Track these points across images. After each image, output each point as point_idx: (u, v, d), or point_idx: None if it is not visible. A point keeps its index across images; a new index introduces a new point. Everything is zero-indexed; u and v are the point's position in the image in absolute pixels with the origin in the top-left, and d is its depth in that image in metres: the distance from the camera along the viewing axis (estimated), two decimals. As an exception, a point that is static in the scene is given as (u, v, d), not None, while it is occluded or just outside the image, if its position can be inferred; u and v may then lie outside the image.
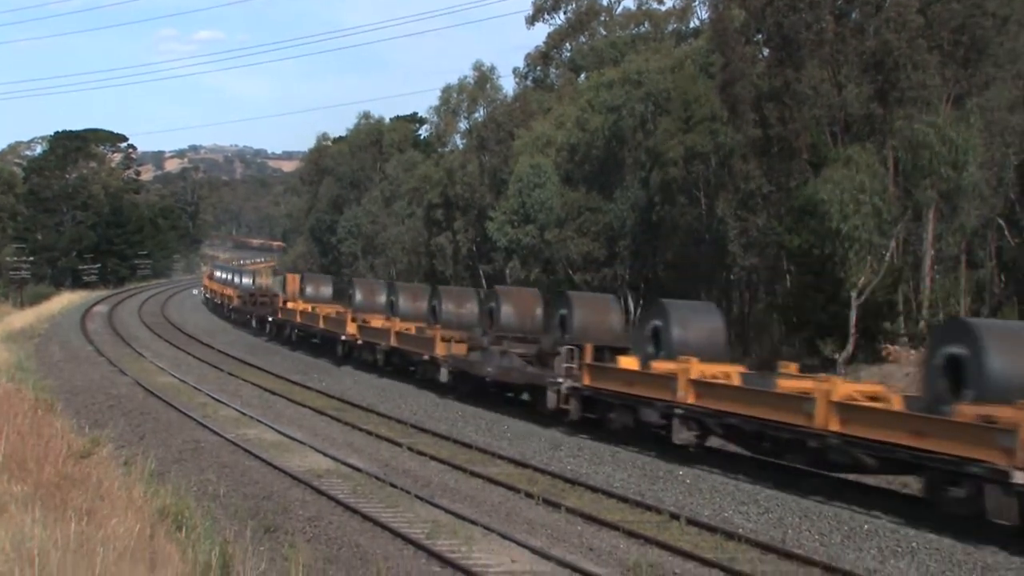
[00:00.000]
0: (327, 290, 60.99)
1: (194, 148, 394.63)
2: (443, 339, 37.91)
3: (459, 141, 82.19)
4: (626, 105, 56.67)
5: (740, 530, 19.30)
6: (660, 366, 27.24)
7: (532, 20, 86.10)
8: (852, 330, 39.53)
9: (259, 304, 66.88)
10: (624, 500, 21.69)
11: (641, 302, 56.10)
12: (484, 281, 67.26)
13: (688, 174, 49.73)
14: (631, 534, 18.92)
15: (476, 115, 78.32)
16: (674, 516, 20.22)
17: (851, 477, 22.91)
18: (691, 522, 19.83)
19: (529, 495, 21.82)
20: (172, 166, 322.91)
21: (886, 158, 41.04)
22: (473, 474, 24.09)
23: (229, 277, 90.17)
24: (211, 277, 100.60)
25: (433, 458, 25.99)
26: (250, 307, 67.76)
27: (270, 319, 60.38)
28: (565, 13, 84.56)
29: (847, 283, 39.60)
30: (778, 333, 47.65)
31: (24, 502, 15.17)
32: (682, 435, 25.71)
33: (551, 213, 58.93)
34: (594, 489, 22.70)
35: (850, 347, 39.41)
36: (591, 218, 56.82)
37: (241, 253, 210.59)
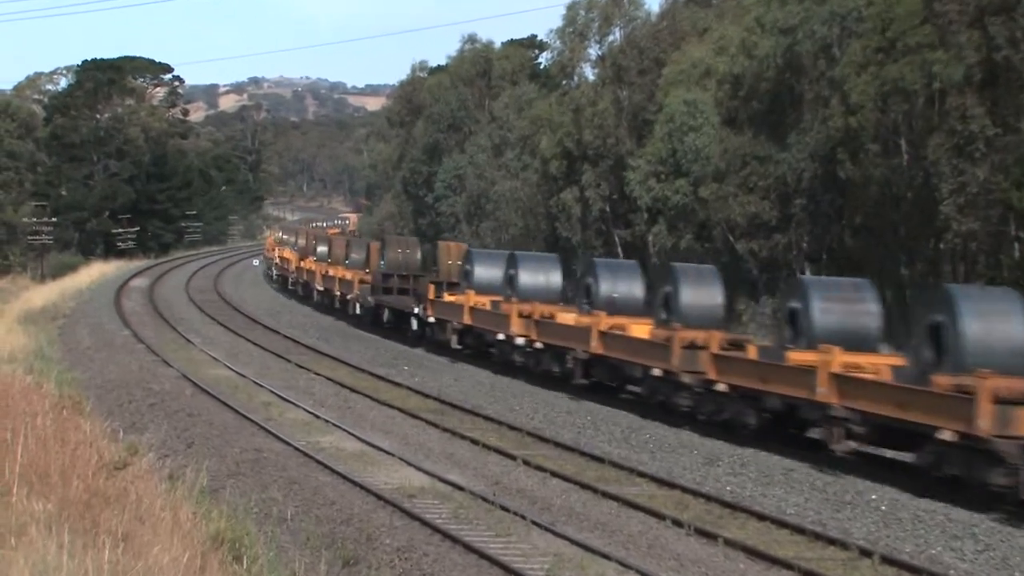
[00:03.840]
0: None
1: (255, 81, 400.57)
2: None
3: (589, 72, 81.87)
4: (804, 26, 55.97)
5: (952, 572, 19.09)
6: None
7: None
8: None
9: None
10: (800, 531, 21.60)
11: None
12: (620, 250, 66.92)
13: (883, 115, 48.95)
14: (809, 574, 18.82)
15: (611, 39, 77.86)
16: (865, 552, 20.09)
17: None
18: (887, 560, 19.68)
19: (677, 523, 21.83)
20: (228, 104, 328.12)
21: None
22: (605, 495, 24.14)
23: None
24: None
25: (555, 474, 26.09)
26: None
27: None
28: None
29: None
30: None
31: (47, 524, 15.50)
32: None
33: (708, 164, 58.47)
34: (761, 516, 22.63)
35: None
36: (759, 170, 56.29)
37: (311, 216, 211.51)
